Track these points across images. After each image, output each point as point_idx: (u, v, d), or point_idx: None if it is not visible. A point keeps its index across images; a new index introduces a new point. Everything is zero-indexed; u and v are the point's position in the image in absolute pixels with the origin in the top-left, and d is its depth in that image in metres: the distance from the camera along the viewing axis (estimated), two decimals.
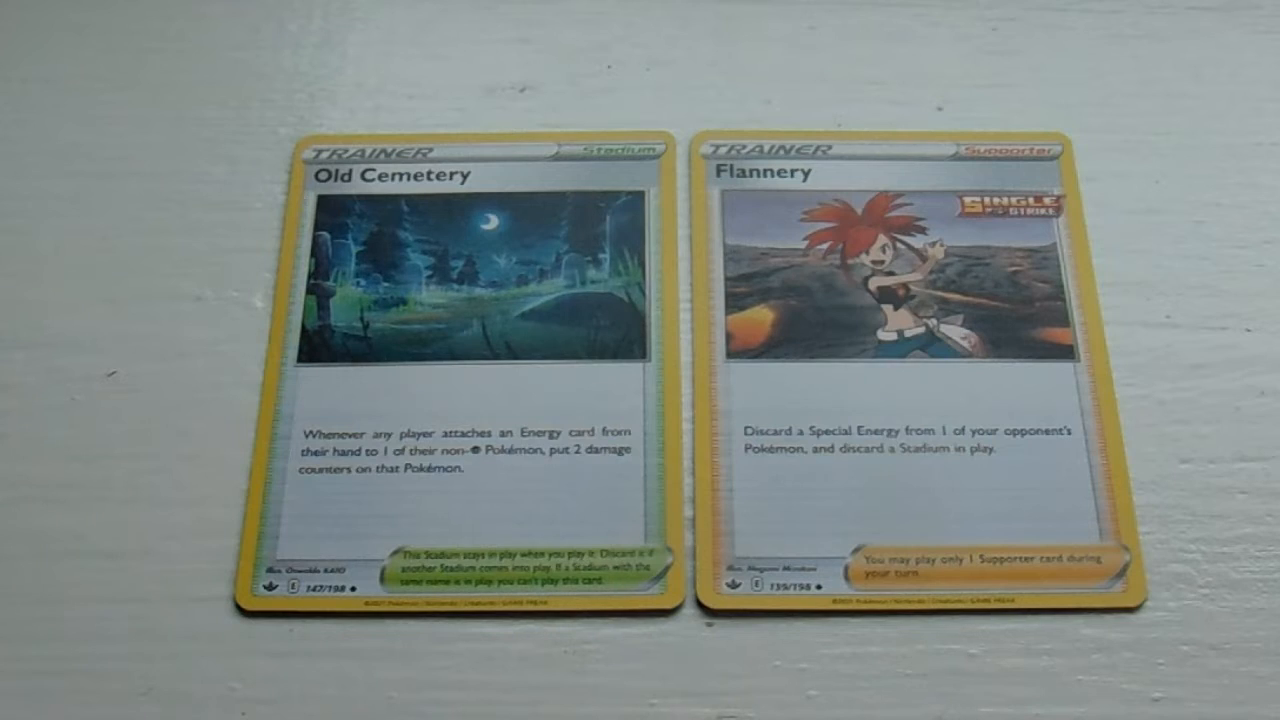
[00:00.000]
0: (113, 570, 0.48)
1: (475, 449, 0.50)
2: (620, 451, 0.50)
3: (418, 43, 0.60)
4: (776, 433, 0.50)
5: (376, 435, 0.50)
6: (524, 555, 0.48)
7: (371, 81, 0.58)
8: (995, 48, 0.60)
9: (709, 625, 0.47)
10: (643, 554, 0.48)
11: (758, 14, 0.61)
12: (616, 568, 0.48)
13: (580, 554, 0.48)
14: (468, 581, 0.48)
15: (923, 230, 0.55)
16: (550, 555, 0.48)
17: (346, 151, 0.56)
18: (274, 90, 0.58)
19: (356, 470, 0.49)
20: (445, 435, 0.50)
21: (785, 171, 0.56)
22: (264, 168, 0.56)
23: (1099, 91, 0.59)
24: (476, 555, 0.48)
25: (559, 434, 0.50)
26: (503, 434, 0.50)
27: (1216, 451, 0.50)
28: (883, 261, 0.54)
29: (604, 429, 0.50)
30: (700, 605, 0.47)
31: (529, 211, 0.55)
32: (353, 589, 0.47)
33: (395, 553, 0.48)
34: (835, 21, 0.60)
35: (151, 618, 0.47)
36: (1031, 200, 0.55)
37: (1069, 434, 0.50)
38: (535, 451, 0.50)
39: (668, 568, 0.48)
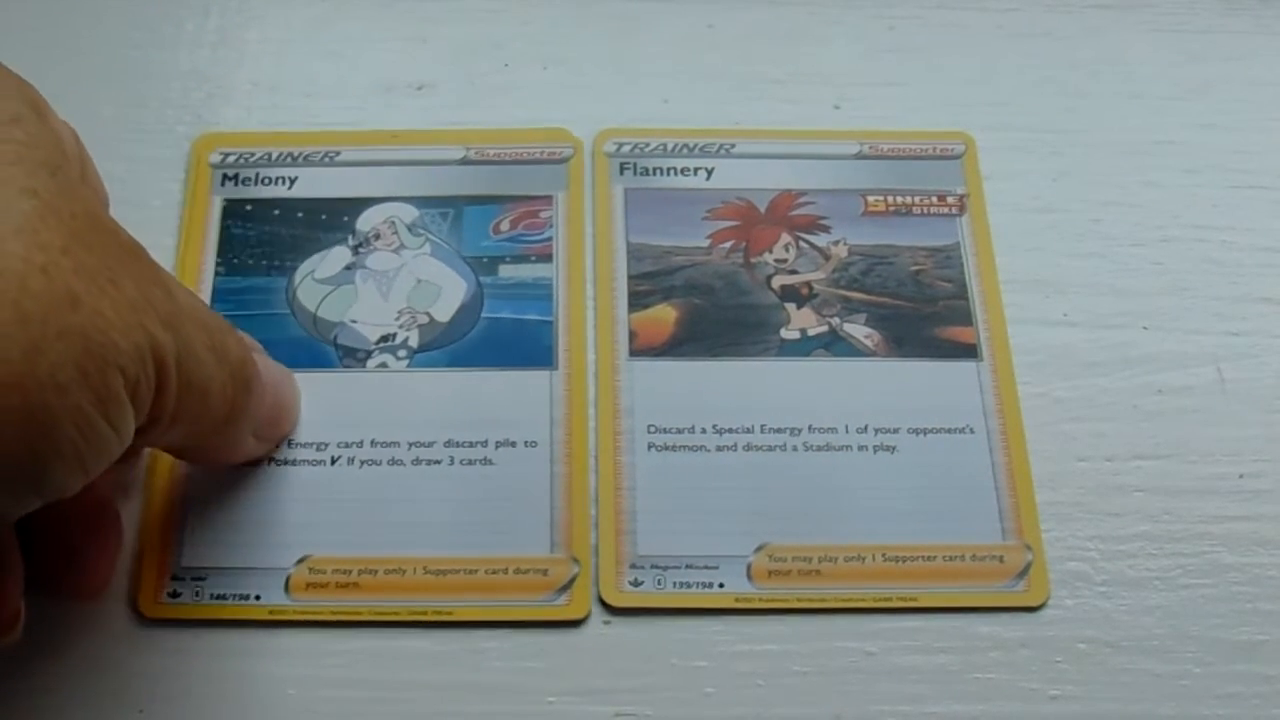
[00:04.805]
0: None
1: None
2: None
3: (314, 41, 0.59)
4: (679, 431, 0.50)
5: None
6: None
7: (268, 80, 0.58)
8: (893, 46, 0.60)
9: (607, 623, 0.47)
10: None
11: (655, 12, 0.60)
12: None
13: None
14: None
15: (826, 229, 0.54)
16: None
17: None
18: (171, 89, 0.57)
19: None
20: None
21: (689, 170, 0.55)
22: (162, 166, 0.55)
23: (996, 90, 0.59)
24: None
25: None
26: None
27: (1114, 449, 0.51)
28: (786, 260, 0.54)
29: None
30: (602, 603, 0.47)
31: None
32: None
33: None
34: (733, 20, 0.60)
35: None
36: (935, 199, 0.55)
37: (972, 433, 0.50)
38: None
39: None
